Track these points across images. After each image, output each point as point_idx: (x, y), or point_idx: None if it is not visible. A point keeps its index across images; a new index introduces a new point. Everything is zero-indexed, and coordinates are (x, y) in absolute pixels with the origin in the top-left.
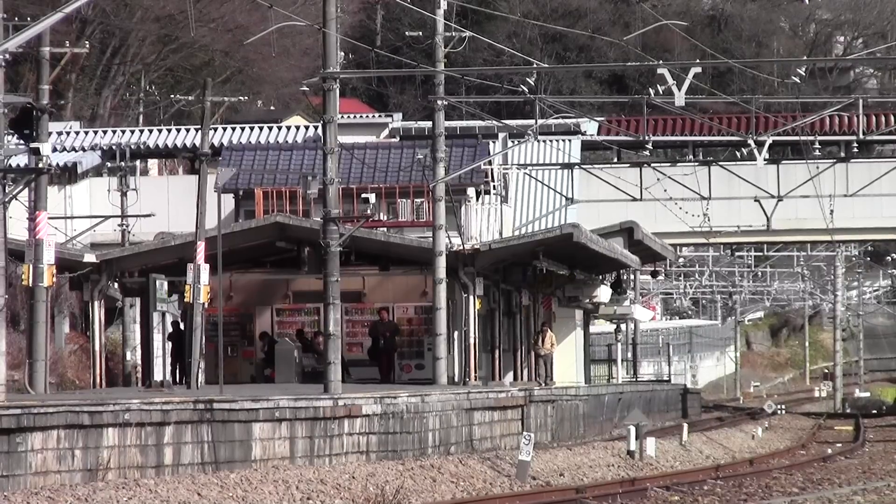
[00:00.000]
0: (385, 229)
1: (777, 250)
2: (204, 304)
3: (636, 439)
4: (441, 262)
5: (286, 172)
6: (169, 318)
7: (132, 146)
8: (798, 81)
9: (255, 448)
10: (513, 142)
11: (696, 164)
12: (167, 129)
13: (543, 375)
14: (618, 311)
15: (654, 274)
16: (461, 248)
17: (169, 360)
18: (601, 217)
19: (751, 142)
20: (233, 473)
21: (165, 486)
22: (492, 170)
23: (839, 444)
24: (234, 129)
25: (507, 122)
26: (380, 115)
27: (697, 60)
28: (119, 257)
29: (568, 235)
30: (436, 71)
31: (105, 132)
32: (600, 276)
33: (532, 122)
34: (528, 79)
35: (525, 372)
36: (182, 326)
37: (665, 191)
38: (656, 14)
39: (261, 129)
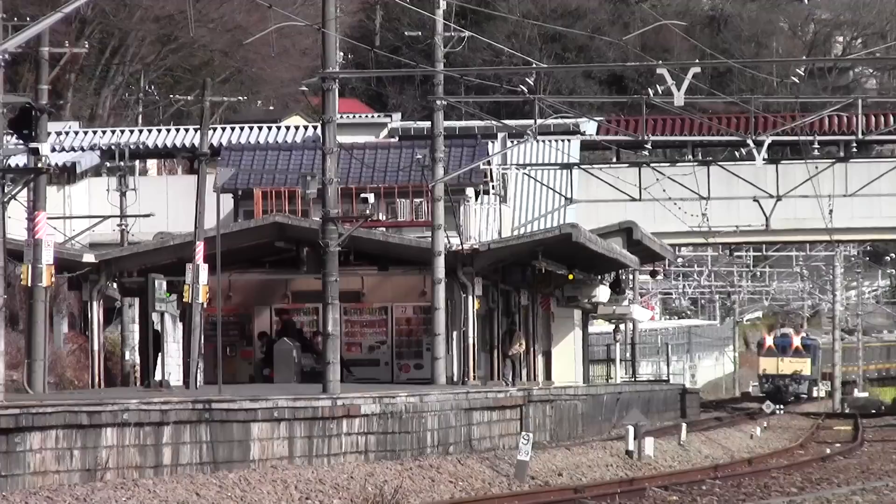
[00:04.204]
0: (384, 229)
1: (776, 250)
2: (203, 304)
3: (635, 439)
4: (440, 262)
5: (285, 172)
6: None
7: (131, 146)
8: (797, 81)
9: (254, 448)
10: (512, 142)
11: (695, 163)
12: (166, 129)
13: (510, 376)
14: (616, 310)
15: (652, 274)
16: (460, 248)
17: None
18: (600, 217)
19: (750, 142)
20: (231, 473)
21: (164, 486)
22: (491, 170)
23: (838, 444)
24: (233, 129)
25: (506, 122)
26: (379, 115)
27: (697, 60)
28: (118, 257)
29: (567, 235)
30: (435, 71)
31: (104, 132)
32: (599, 276)
33: (531, 122)
34: (527, 79)
35: (524, 372)
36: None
37: (664, 191)
38: (655, 14)
39: (260, 129)
